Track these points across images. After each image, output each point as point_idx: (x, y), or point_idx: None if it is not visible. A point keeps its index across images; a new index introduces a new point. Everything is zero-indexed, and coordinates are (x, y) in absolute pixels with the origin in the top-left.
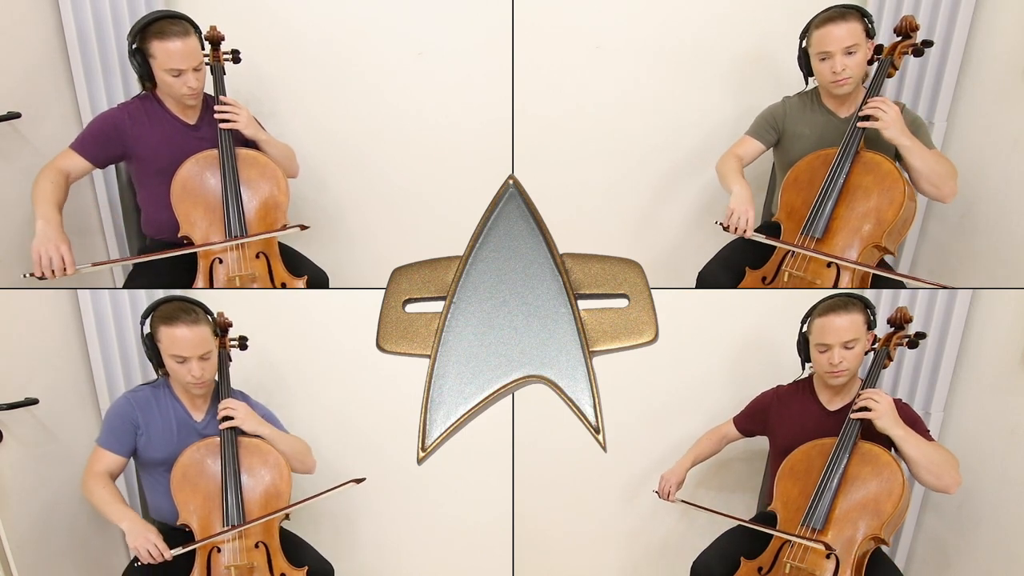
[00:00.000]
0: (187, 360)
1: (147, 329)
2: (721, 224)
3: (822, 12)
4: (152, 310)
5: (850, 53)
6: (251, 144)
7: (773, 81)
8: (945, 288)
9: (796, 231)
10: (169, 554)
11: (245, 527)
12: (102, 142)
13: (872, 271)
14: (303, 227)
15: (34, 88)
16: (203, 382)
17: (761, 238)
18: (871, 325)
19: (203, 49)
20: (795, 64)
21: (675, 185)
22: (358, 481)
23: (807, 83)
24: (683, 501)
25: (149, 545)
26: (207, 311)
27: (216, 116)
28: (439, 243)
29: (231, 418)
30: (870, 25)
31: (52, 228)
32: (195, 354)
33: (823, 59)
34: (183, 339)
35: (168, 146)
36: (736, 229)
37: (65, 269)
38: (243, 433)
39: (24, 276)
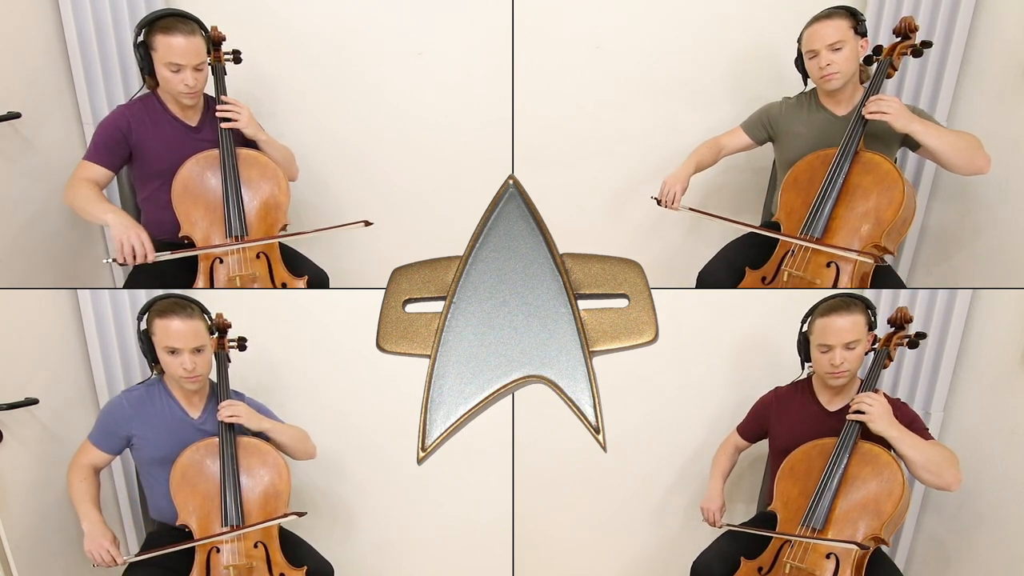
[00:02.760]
0: (180, 352)
1: (143, 326)
2: (655, 199)
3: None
4: (149, 307)
5: (836, 49)
6: (251, 144)
7: (773, 81)
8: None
9: (796, 231)
10: (121, 560)
11: (245, 531)
12: (112, 147)
13: (872, 261)
14: (367, 223)
15: (34, 88)
16: (195, 376)
17: (686, 209)
18: (872, 326)
19: (208, 53)
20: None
21: None
22: (299, 515)
23: (806, 84)
24: (729, 525)
25: (102, 550)
26: (204, 309)
27: (217, 115)
28: (439, 243)
29: (236, 416)
30: (859, 23)
31: (126, 218)
32: (188, 346)
33: (811, 57)
34: (177, 331)
35: (169, 148)
36: (665, 203)
37: (147, 255)
38: (244, 432)
39: (106, 261)
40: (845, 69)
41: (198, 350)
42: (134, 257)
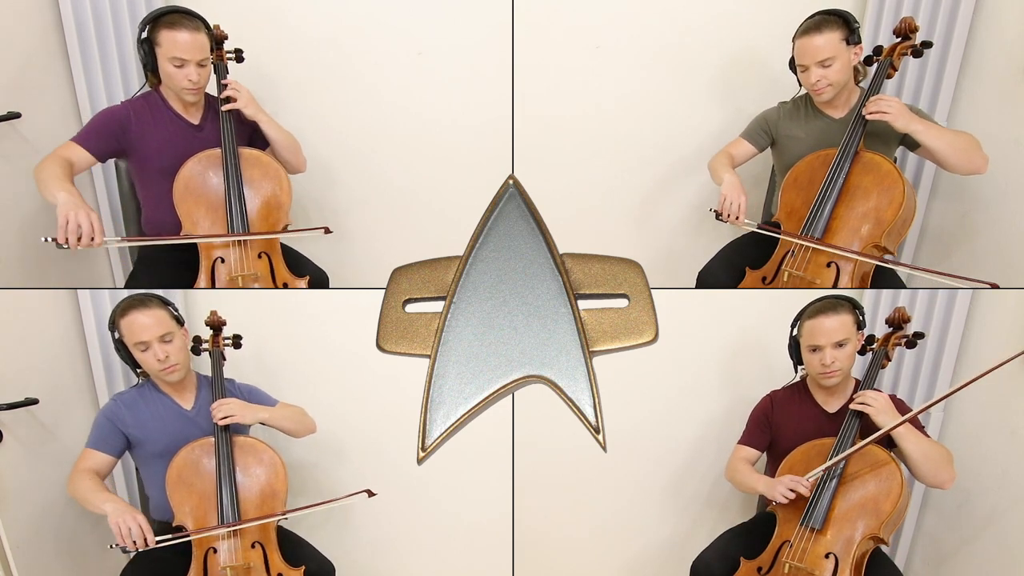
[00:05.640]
0: (149, 344)
1: (116, 335)
2: (715, 211)
3: (803, 22)
4: (113, 314)
5: (827, 66)
6: (254, 144)
7: (772, 81)
8: (944, 275)
9: (796, 231)
10: (152, 540)
11: (240, 526)
12: (104, 136)
13: (875, 261)
14: (327, 230)
15: (33, 86)
16: (171, 366)
17: (752, 226)
18: (861, 325)
19: (212, 50)
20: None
21: (675, 185)
22: (370, 493)
23: (800, 87)
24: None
25: (132, 524)
26: (165, 301)
27: (219, 96)
28: (439, 243)
29: (231, 415)
30: (851, 32)
31: (77, 197)
32: (154, 336)
33: (803, 71)
34: (139, 324)
35: (171, 145)
36: (728, 216)
37: (93, 238)
38: (240, 430)
39: (44, 240)
40: (836, 81)
41: (166, 339)
42: (79, 239)
